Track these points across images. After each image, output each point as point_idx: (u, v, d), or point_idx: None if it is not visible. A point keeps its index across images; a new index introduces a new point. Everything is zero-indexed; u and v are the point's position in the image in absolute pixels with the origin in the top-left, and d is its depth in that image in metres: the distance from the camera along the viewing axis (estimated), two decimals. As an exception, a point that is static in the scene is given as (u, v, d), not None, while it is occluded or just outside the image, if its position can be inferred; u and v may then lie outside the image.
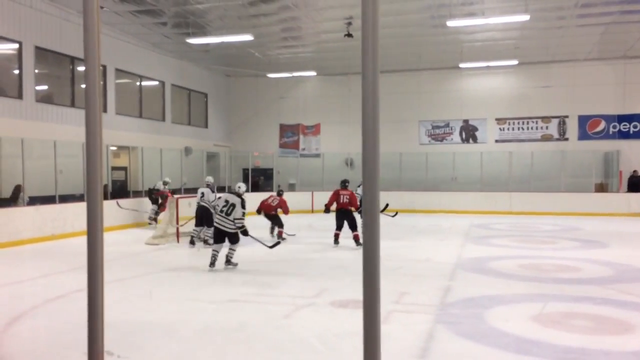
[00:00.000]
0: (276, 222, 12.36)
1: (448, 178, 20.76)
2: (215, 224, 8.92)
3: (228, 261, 8.74)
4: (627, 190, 19.30)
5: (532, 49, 19.41)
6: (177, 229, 12.06)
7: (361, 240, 9.34)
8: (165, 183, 14.84)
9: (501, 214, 18.33)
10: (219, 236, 8.74)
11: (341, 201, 11.31)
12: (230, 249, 8.78)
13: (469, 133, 22.34)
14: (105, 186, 15.08)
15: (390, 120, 21.46)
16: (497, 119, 21.89)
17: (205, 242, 11.26)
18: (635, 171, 19.44)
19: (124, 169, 17.93)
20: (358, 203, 11.37)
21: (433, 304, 6.34)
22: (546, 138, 21.36)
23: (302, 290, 7.08)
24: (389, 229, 13.11)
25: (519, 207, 18.90)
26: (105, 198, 14.70)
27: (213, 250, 8.74)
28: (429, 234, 13.66)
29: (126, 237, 12.98)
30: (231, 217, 8.59)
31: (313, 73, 22.20)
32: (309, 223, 15.74)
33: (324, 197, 20.00)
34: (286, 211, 12.31)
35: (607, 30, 16.95)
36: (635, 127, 20.31)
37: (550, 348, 4.70)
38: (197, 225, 11.46)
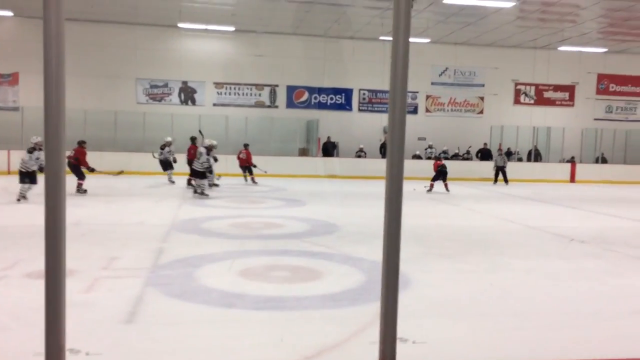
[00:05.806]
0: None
1: (166, 139, 20.43)
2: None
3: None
4: (322, 155, 22.32)
5: (247, 18, 20.26)
6: None
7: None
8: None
9: (218, 175, 18.94)
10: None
11: None
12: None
13: (188, 95, 22.35)
14: None
15: (105, 75, 20.00)
16: (215, 83, 22.40)
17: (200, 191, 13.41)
18: (329, 137, 22.53)
19: None
20: None
21: (144, 267, 6.24)
22: (259, 104, 22.82)
23: (-9, 263, 6.17)
24: (102, 192, 12.34)
25: (234, 170, 19.84)
26: None
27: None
28: (144, 196, 13.32)
29: None
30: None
31: (10, 13, 19.08)
32: (4, 186, 13.71)
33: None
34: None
35: (311, 9, 18.74)
36: (331, 99, 23.35)
37: (253, 299, 5.11)
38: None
